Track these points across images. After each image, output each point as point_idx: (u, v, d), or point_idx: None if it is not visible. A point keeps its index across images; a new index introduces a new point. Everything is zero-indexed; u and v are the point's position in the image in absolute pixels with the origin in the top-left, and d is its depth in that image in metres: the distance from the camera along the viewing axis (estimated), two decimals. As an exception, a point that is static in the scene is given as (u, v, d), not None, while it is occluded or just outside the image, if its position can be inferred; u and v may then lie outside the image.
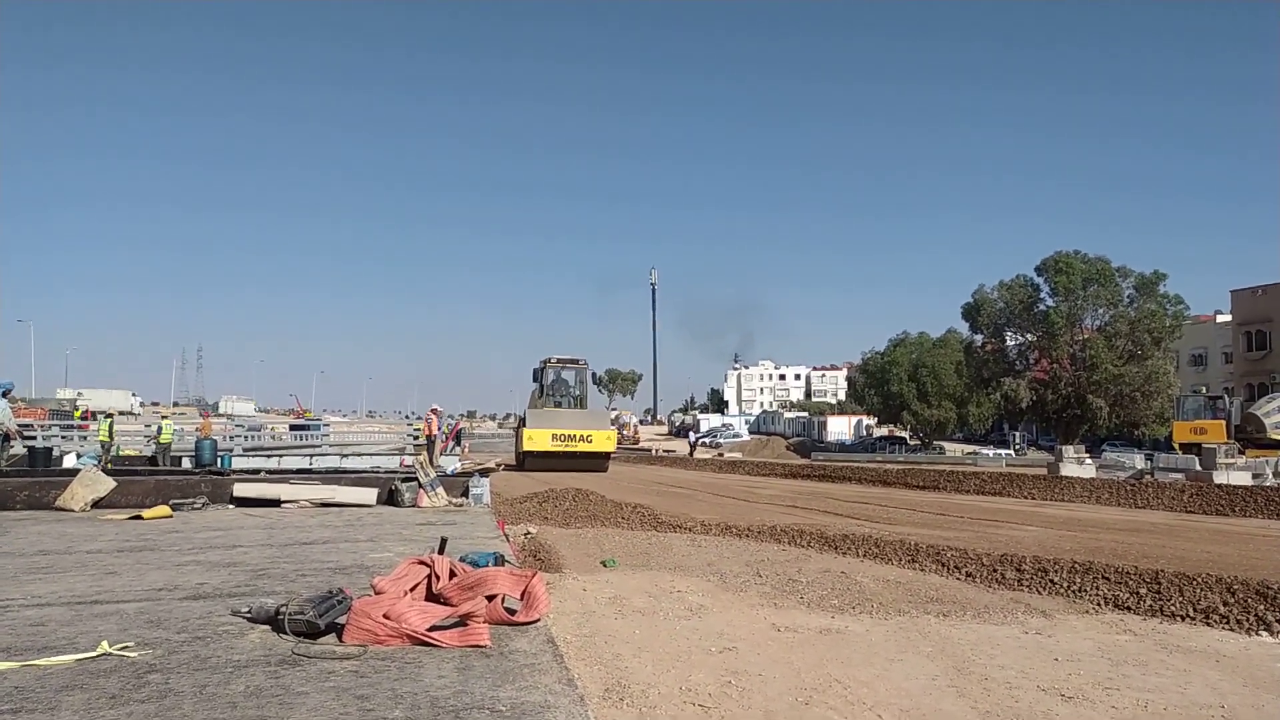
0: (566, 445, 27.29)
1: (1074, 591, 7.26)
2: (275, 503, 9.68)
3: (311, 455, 29.34)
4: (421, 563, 4.79)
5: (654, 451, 64.66)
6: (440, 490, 10.01)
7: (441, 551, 5.36)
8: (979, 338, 54.49)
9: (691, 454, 58.75)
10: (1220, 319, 75.57)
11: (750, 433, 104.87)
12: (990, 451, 57.47)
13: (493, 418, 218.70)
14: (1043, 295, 49.40)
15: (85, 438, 50.29)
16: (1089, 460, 30.87)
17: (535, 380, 32.03)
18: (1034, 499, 17.76)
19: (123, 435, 31.36)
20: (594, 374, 32.52)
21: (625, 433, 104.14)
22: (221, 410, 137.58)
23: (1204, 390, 37.39)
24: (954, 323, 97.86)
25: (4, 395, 16.61)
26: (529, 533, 10.64)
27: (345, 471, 12.21)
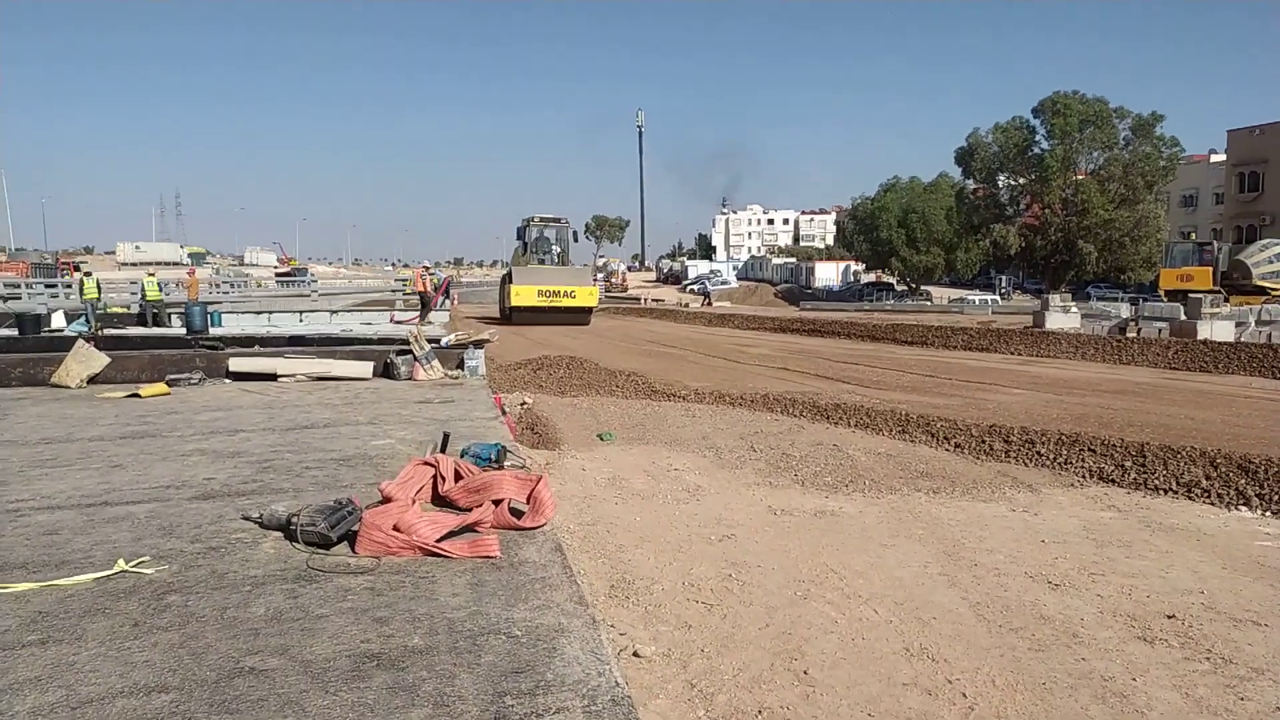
0: (552, 300, 29.00)
1: (1060, 464, 7.47)
2: (272, 377, 9.69)
3: (301, 313, 29.24)
4: (426, 463, 4.84)
5: (643, 301, 64.77)
6: (435, 363, 10.02)
7: (444, 448, 5.42)
8: (971, 183, 53.76)
9: (706, 304, 60.35)
10: (1214, 159, 74.57)
11: (738, 279, 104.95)
12: (976, 298, 57.81)
13: (479, 264, 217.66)
14: (1038, 138, 48.45)
15: (69, 291, 49.90)
16: (1074, 309, 31.10)
17: (519, 238, 33.32)
18: (1020, 355, 17.95)
19: (110, 290, 30.98)
20: (574, 231, 33.74)
21: (614, 280, 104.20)
22: (248, 260, 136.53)
23: (1192, 235, 37.28)
24: (946, 167, 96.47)
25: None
26: (525, 403, 10.74)
27: (340, 341, 12.18)
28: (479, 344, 10.47)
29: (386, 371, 9.91)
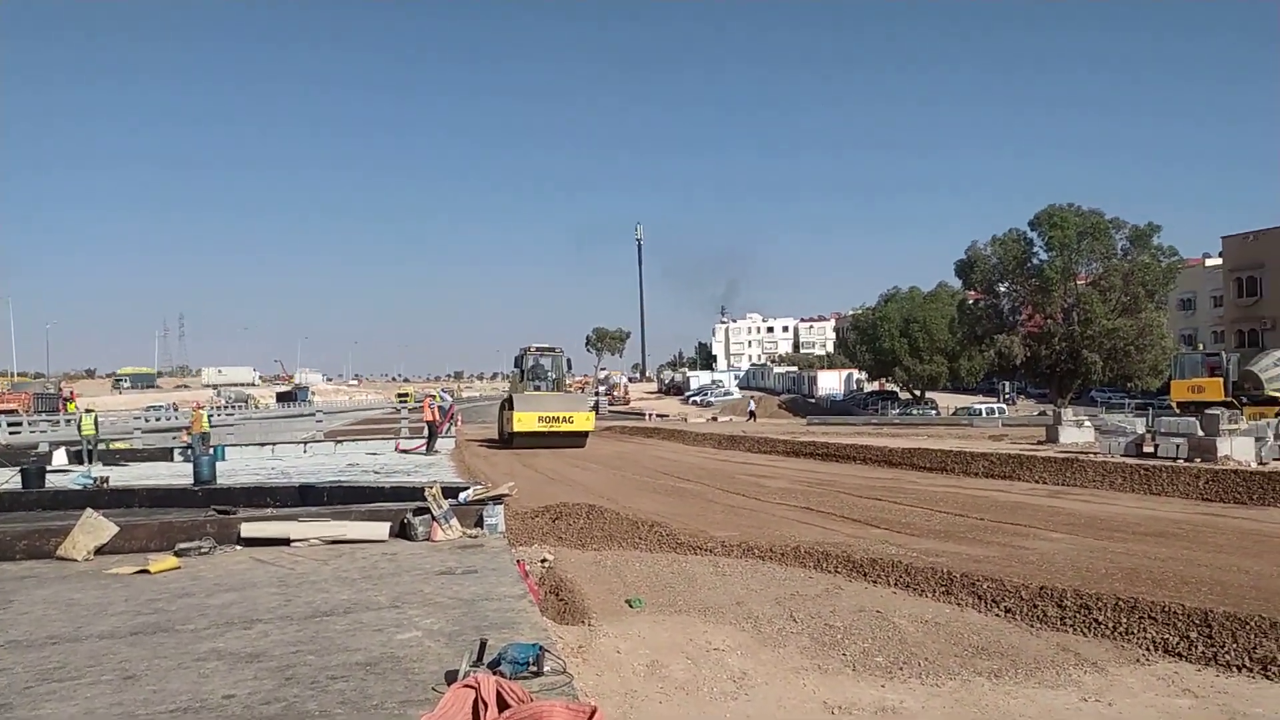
0: (551, 425, 30.88)
1: (1120, 634, 7.08)
2: (285, 541, 9.35)
3: (306, 443, 29.00)
4: (467, 686, 4.52)
5: (648, 417, 64.63)
6: (454, 522, 9.70)
7: (481, 657, 5.07)
8: (971, 294, 54.33)
9: (750, 420, 61.73)
10: (1209, 263, 75.65)
11: (740, 388, 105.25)
12: (983, 407, 57.69)
13: (479, 377, 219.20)
14: (1036, 250, 49.15)
15: (70, 419, 49.80)
16: (1088, 423, 30.81)
17: (516, 365, 36.22)
18: (1046, 484, 17.59)
19: (114, 415, 30.82)
20: (568, 359, 36.60)
21: (616, 394, 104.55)
22: (296, 379, 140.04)
23: (1200, 347, 37.40)
24: (944, 274, 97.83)
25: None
26: (545, 560, 10.37)
27: (352, 494, 11.86)
28: (498, 499, 10.17)
29: (403, 532, 9.58)
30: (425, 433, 28.72)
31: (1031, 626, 7.52)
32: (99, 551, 8.97)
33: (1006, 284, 51.13)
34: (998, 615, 7.85)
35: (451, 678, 4.92)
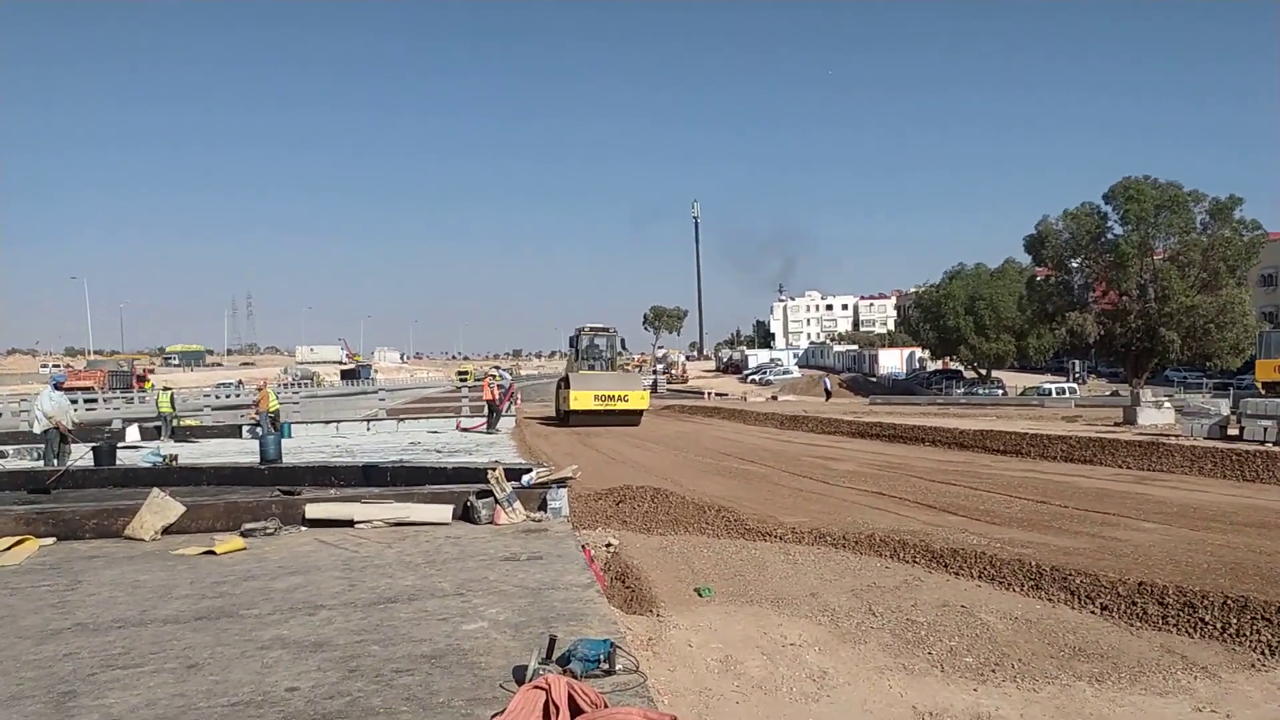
0: (606, 404, 31.47)
1: (1231, 636, 6.57)
2: (349, 523, 9.26)
3: (369, 421, 29.24)
4: (537, 687, 4.27)
5: (707, 396, 64.15)
6: (517, 505, 9.51)
7: (550, 654, 4.82)
8: (1041, 271, 52.59)
9: (827, 399, 61.42)
10: (1293, 238, 72.36)
11: (800, 367, 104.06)
12: (1053, 387, 56.04)
13: (537, 355, 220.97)
14: (1111, 224, 47.27)
15: (143, 397, 51.19)
16: (1167, 404, 29.60)
17: (571, 346, 36.57)
18: (1130, 469, 16.80)
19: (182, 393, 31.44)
20: (622, 338, 37.01)
21: (675, 372, 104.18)
22: (375, 359, 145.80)
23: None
24: (1008, 248, 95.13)
25: (56, 388, 16.29)
26: (610, 545, 10.13)
27: (415, 474, 11.74)
28: (561, 483, 9.94)
29: (466, 514, 9.42)
30: (486, 411, 28.77)
31: (1131, 626, 7.04)
32: (166, 531, 8.98)
33: (1079, 259, 49.32)
34: (1093, 613, 7.37)
35: (519, 674, 4.69)
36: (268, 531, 8.93)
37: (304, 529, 9.17)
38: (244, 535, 8.72)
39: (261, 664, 5.06)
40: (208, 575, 7.26)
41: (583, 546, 8.36)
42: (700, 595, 8.26)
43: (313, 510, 9.41)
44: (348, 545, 8.39)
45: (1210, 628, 6.78)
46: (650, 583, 8.53)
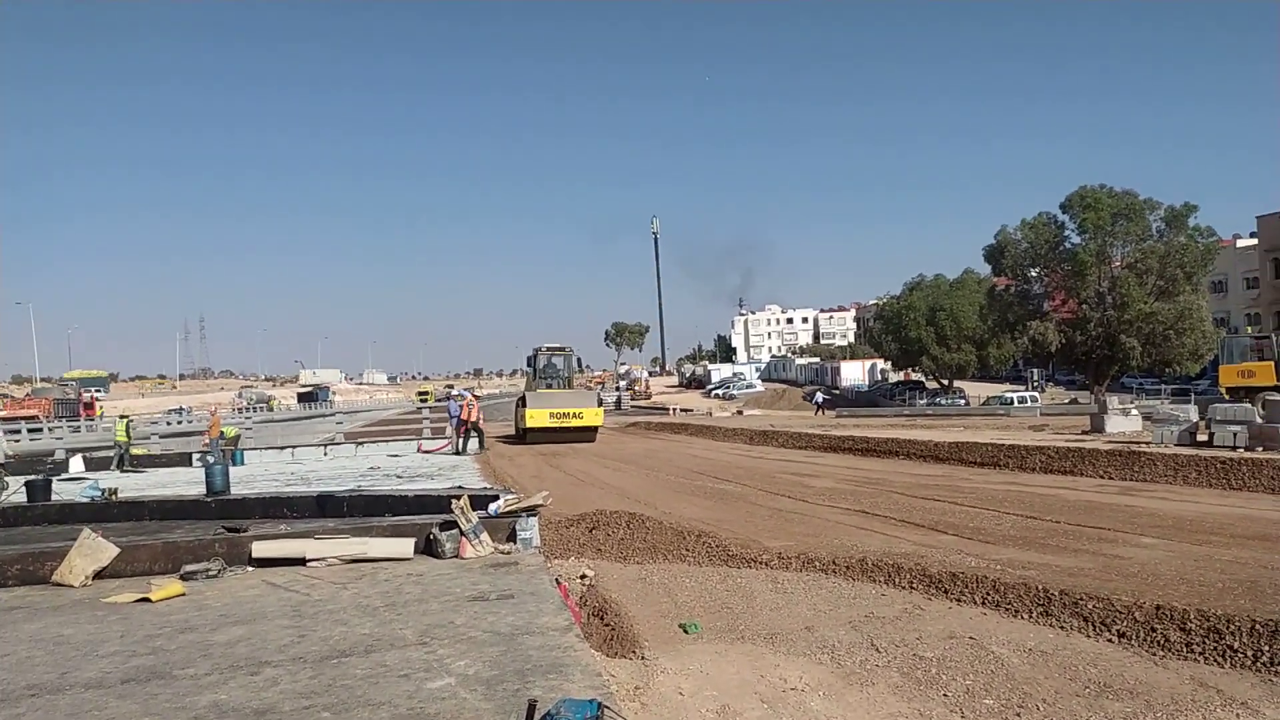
0: (562, 421, 32.46)
1: (1264, 665, 6.10)
2: (300, 561, 8.52)
3: (326, 446, 28.30)
4: (517, 770, 3.64)
5: (671, 412, 63.63)
6: (484, 537, 8.84)
7: (531, 721, 4.18)
8: (1001, 281, 52.92)
9: (818, 412, 60.99)
10: (1240, 244, 73.82)
11: (762, 381, 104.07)
12: (1015, 396, 56.38)
13: (498, 374, 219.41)
14: (1068, 233, 47.67)
15: (91, 427, 49.44)
16: (1134, 411, 29.63)
17: (529, 365, 37.98)
18: (1113, 479, 16.49)
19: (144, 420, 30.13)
20: (579, 358, 38.14)
21: (638, 388, 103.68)
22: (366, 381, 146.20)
23: (1250, 330, 36.01)
24: (966, 262, 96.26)
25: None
26: (585, 576, 9.47)
27: (374, 504, 11.04)
28: (531, 511, 9.28)
29: (429, 548, 8.74)
30: (471, 433, 28.15)
31: (1154, 655, 6.54)
32: (98, 575, 8.21)
33: (1038, 269, 49.66)
34: (1110, 641, 6.87)
35: (494, 746, 4.05)
36: (210, 574, 8.19)
37: (251, 569, 8.43)
38: (184, 579, 7.99)
39: (194, 740, 4.37)
40: (140, 627, 6.51)
41: (557, 581, 7.71)
42: (686, 632, 7.64)
43: (260, 549, 8.67)
44: (298, 587, 7.67)
45: (1241, 656, 6.31)
46: (631, 619, 7.89)
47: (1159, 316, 43.83)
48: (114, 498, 13.13)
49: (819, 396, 69.96)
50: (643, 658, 6.68)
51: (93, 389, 62.01)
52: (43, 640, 6.33)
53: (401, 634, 6.03)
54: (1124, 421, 28.09)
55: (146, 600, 7.31)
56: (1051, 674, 6.23)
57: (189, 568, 8.23)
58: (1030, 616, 7.53)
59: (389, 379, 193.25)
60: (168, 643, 6.08)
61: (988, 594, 8.11)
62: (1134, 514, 12.22)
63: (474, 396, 34.66)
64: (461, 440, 27.14)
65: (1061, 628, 7.23)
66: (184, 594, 7.54)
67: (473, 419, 28.17)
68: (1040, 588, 7.84)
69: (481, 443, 27.84)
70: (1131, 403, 32.24)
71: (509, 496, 9.86)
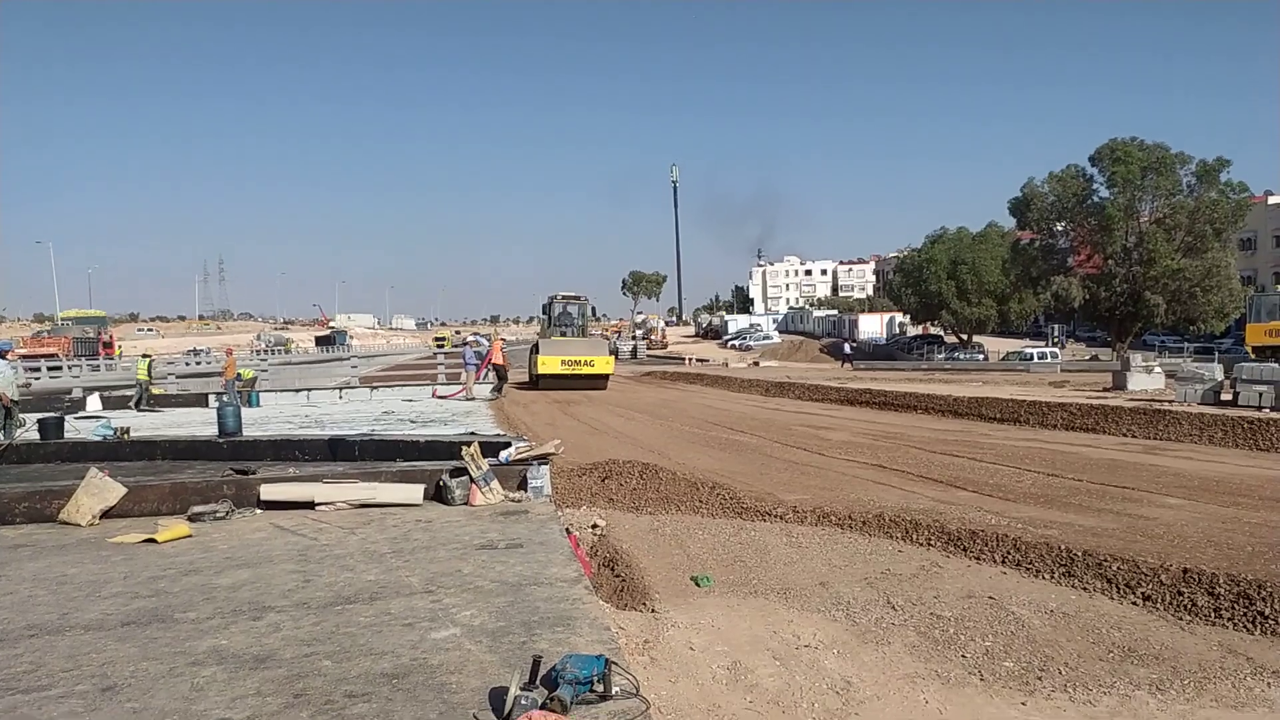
0: (573, 369, 32.87)
1: (1295, 632, 5.89)
2: (309, 505, 8.42)
3: (341, 389, 28.29)
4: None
5: (688, 362, 63.40)
6: (495, 484, 8.70)
7: (534, 677, 4.03)
8: (1025, 235, 52.06)
9: (844, 365, 60.35)
10: (1272, 200, 72.23)
11: (779, 332, 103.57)
12: (1035, 352, 55.78)
13: (515, 320, 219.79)
14: (1097, 186, 46.69)
15: (110, 365, 49.75)
16: (1158, 369, 29.16)
17: (544, 313, 38.18)
18: (1136, 438, 16.17)
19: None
20: (593, 306, 38.47)
21: (654, 338, 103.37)
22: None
23: (1279, 288, 35.27)
24: (986, 213, 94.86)
25: (1, 357, 15.26)
26: (596, 525, 9.33)
27: (385, 449, 10.92)
28: (543, 459, 9.11)
29: (439, 494, 8.61)
30: (494, 376, 28.96)
31: (1180, 619, 6.34)
32: (105, 515, 8.13)
33: (1064, 223, 48.78)
34: (1134, 604, 6.67)
35: (497, 699, 3.91)
36: (218, 515, 8.10)
37: (259, 512, 8.34)
38: (191, 520, 7.91)
39: (191, 686, 4.26)
40: (145, 569, 6.42)
41: (567, 531, 7.56)
42: (698, 585, 7.50)
43: (269, 491, 8.57)
44: (306, 531, 7.57)
45: (1271, 623, 6.09)
46: (642, 570, 7.75)
47: (1186, 273, 43.09)
48: (126, 437, 13.11)
49: (846, 348, 69.34)
50: (653, 611, 6.54)
51: (91, 328, 61.79)
52: (46, 579, 6.25)
53: (408, 581, 5.91)
54: (1147, 379, 27.66)
55: (152, 541, 7.22)
56: (1074, 636, 6.04)
57: (196, 509, 8.14)
58: (1052, 577, 7.33)
59: (417, 324, 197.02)
60: (171, 585, 5.99)
61: (1008, 553, 7.91)
62: (1158, 473, 11.95)
63: (501, 340, 35.43)
64: (499, 385, 27.81)
65: (1084, 589, 7.03)
66: (190, 535, 7.45)
67: (498, 361, 28.92)
68: (1062, 547, 7.63)
69: (500, 387, 27.98)
70: (1155, 360, 31.67)
71: (521, 444, 9.69)
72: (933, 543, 8.44)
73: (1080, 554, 7.43)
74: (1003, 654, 5.74)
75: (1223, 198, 43.93)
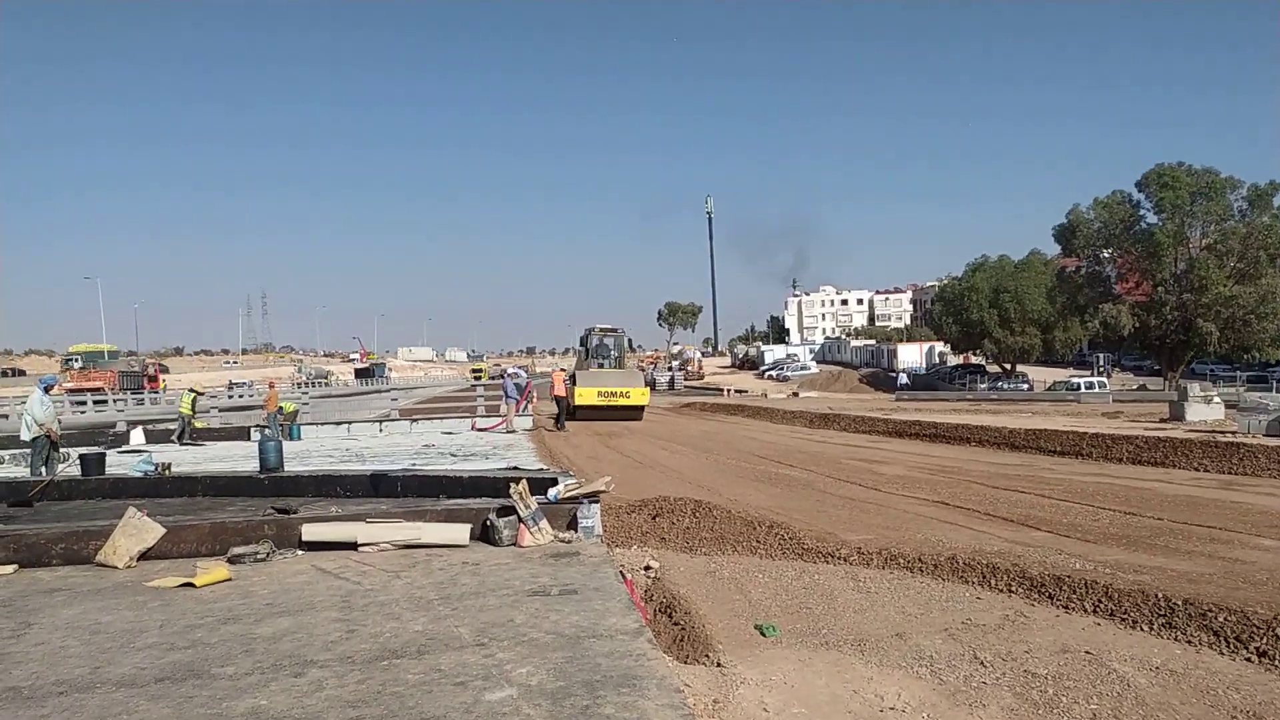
0: (610, 400, 33.59)
1: None
2: (352, 545, 8.10)
3: (381, 422, 28.17)
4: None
5: (726, 393, 62.87)
6: (544, 524, 8.32)
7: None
8: (1070, 262, 51.08)
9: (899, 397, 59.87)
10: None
11: (817, 363, 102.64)
12: (1082, 381, 54.50)
13: (550, 352, 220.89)
14: (1144, 212, 45.72)
15: (155, 399, 50.31)
16: (1217, 399, 28.18)
17: (581, 344, 39.18)
18: (1211, 473, 15.38)
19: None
20: (629, 339, 39.40)
21: (690, 369, 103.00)
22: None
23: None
24: (1026, 244, 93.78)
25: (46, 391, 15.25)
26: (650, 567, 8.88)
27: (428, 484, 10.61)
28: (593, 497, 8.71)
29: (485, 534, 8.25)
30: (557, 408, 30.60)
31: (1305, 680, 5.75)
32: (144, 556, 7.87)
33: (1111, 249, 47.77)
34: (1249, 660, 6.08)
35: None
36: (259, 557, 7.80)
37: (300, 553, 8.03)
38: (231, 561, 7.61)
39: (228, 754, 3.88)
40: (182, 616, 6.10)
41: (623, 575, 7.13)
42: (763, 634, 7.01)
43: (310, 532, 8.25)
44: (349, 574, 7.23)
45: None
46: (702, 618, 7.27)
47: (1239, 300, 41.93)
48: (167, 473, 12.94)
49: (903, 378, 68.40)
50: (719, 664, 6.07)
51: (93, 363, 61.94)
52: (79, 628, 5.96)
53: (457, 633, 5.52)
54: (1206, 410, 26.75)
55: (190, 585, 6.93)
56: (1188, 698, 5.47)
57: (236, 550, 7.85)
58: (1151, 628, 6.74)
59: (469, 356, 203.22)
60: (208, 635, 5.66)
61: (1099, 601, 7.32)
62: (1243, 511, 11.24)
63: (561, 370, 36.84)
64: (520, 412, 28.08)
65: (1189, 642, 6.44)
66: (230, 579, 7.15)
67: (559, 393, 30.62)
68: (1160, 595, 7.03)
69: (560, 419, 29.74)
70: (1213, 390, 30.67)
71: (569, 480, 9.31)
72: (1014, 589, 7.86)
73: (1180, 603, 6.83)
74: (1112, 719, 5.19)
75: (1276, 223, 42.79)
